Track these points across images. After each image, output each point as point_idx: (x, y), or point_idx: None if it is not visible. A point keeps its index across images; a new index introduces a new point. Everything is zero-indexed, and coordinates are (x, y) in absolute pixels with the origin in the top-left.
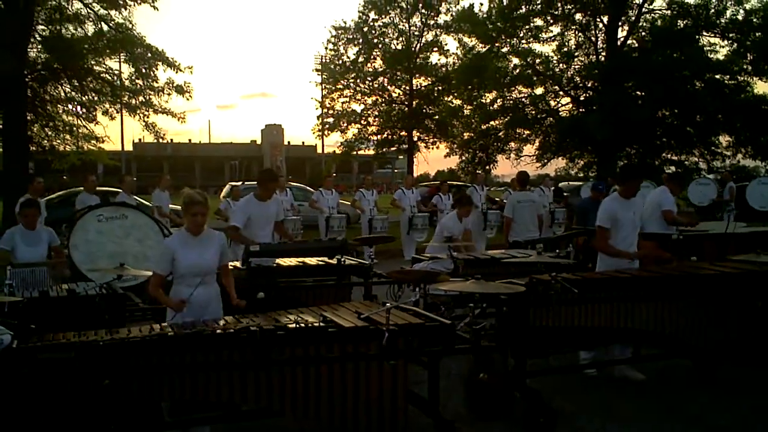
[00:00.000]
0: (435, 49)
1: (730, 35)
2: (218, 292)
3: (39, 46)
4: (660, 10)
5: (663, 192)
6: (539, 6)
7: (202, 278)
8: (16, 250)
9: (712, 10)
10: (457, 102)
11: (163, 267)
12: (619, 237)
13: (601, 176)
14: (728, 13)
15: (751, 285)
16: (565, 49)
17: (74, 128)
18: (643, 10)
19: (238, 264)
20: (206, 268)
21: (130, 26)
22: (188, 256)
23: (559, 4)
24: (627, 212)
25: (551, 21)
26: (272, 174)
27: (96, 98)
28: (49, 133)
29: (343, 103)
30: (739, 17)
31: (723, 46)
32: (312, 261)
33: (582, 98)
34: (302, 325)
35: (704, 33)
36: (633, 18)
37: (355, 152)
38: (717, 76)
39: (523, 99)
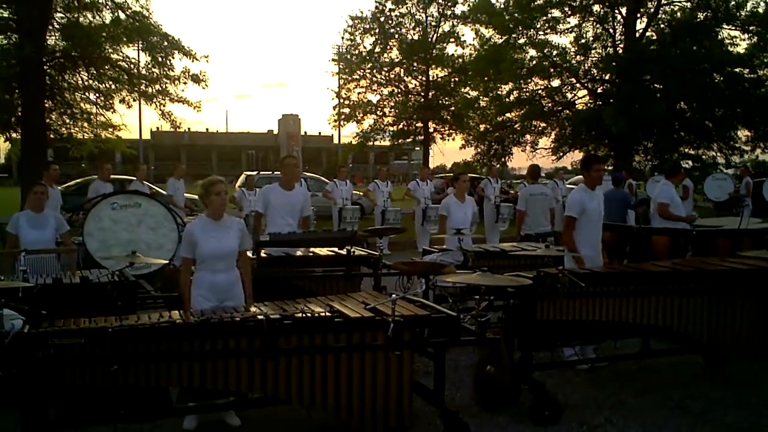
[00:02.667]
0: (452, 39)
1: (750, 28)
2: (239, 277)
3: (57, 34)
4: (679, 2)
5: (662, 185)
6: None
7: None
8: (22, 233)
9: (732, 3)
10: (474, 93)
11: (187, 251)
12: (588, 228)
13: (617, 169)
14: (749, 5)
15: (762, 281)
16: (583, 41)
17: (92, 116)
18: (663, 1)
19: (249, 253)
20: (227, 252)
21: (147, 15)
22: (209, 241)
23: None
24: (593, 203)
25: (569, 12)
26: (284, 159)
27: (113, 86)
28: (67, 120)
29: (359, 93)
30: (760, 10)
31: (743, 40)
32: (322, 251)
33: (599, 91)
34: (308, 314)
35: (724, 26)
36: (652, 10)
37: (370, 143)
38: (737, 70)
39: (540, 91)
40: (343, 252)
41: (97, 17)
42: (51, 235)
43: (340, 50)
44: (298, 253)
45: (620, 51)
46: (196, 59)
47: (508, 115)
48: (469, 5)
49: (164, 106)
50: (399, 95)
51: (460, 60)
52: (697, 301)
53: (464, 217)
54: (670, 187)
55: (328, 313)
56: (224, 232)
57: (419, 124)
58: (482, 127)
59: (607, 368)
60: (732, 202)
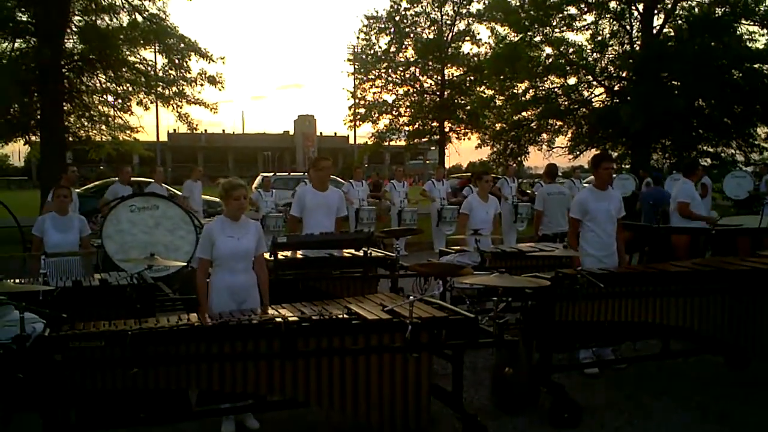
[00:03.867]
0: (467, 38)
1: None
2: (255, 280)
3: (75, 37)
4: None
5: (681, 183)
6: None
7: (240, 263)
8: (47, 236)
9: None
10: (489, 92)
11: (204, 251)
12: (594, 229)
13: (634, 169)
14: (767, 1)
15: None
16: (599, 38)
17: (109, 119)
18: None
19: (266, 255)
20: (244, 252)
21: (164, 17)
22: (227, 241)
23: None
24: (600, 203)
25: (585, 9)
26: (319, 158)
27: (130, 89)
28: (85, 123)
29: (374, 93)
30: None
31: (762, 35)
32: (338, 253)
33: (616, 88)
34: (326, 316)
35: (742, 21)
36: (669, 6)
37: (386, 143)
38: (755, 66)
39: (556, 89)
40: (360, 253)
41: (114, 20)
42: (75, 237)
43: (356, 50)
44: (316, 254)
45: (637, 48)
46: (213, 61)
47: (524, 113)
48: (484, 3)
49: (181, 108)
50: (414, 95)
51: (476, 59)
52: (718, 301)
53: (486, 216)
54: (690, 185)
55: (345, 315)
56: (242, 232)
57: (435, 124)
58: (498, 126)
59: (626, 370)
60: (752, 200)
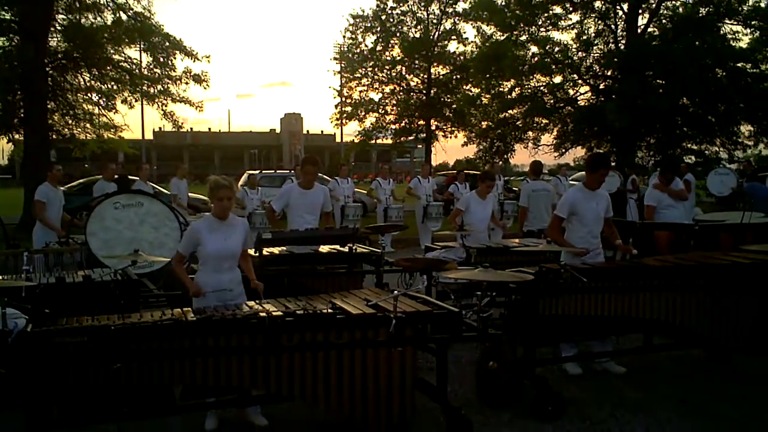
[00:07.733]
0: (453, 37)
1: (753, 23)
2: (240, 277)
3: (59, 35)
4: None
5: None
6: None
7: (226, 263)
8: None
9: None
10: (476, 91)
11: (186, 247)
12: (581, 229)
13: (619, 166)
14: (750, 0)
15: (765, 275)
16: (585, 37)
17: (94, 117)
18: None
19: (251, 251)
20: (231, 252)
21: (149, 15)
22: (214, 241)
23: None
24: (589, 203)
25: (570, 8)
26: (306, 159)
27: (115, 87)
28: (70, 121)
29: (360, 91)
30: (762, 5)
31: (745, 34)
32: (324, 249)
33: (601, 87)
34: (311, 311)
35: (726, 20)
36: (653, 5)
37: (373, 141)
38: (739, 65)
39: (542, 87)
40: (345, 249)
41: (99, 18)
42: None
43: (342, 49)
44: (301, 250)
45: (622, 47)
46: (198, 59)
47: (510, 111)
48: (470, 3)
49: (166, 106)
50: (401, 93)
51: (462, 57)
52: (699, 295)
53: (483, 214)
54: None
55: (330, 310)
56: (230, 231)
57: (421, 122)
58: (484, 124)
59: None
60: (735, 197)
